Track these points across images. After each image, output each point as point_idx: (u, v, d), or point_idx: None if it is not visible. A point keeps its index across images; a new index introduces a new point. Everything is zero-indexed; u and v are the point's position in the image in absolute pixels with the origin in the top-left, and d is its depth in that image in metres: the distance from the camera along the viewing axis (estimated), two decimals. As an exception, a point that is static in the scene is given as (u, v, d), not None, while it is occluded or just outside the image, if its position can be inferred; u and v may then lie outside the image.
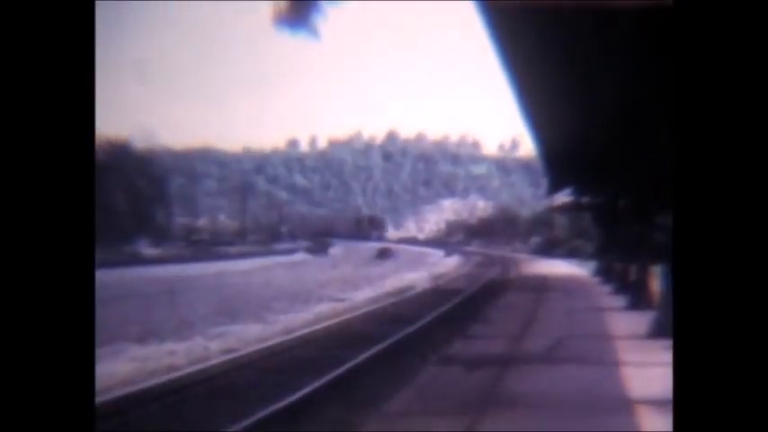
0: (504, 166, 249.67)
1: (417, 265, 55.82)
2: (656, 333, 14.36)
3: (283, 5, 7.17)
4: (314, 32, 7.36)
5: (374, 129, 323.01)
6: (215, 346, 17.29)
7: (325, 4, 7.37)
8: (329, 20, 7.45)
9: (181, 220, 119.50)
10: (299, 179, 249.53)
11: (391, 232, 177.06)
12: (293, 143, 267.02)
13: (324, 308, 26.07)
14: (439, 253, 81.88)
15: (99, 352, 13.56)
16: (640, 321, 15.82)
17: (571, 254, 61.51)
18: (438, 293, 31.41)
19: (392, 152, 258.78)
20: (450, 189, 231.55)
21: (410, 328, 19.21)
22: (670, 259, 15.03)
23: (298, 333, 19.07)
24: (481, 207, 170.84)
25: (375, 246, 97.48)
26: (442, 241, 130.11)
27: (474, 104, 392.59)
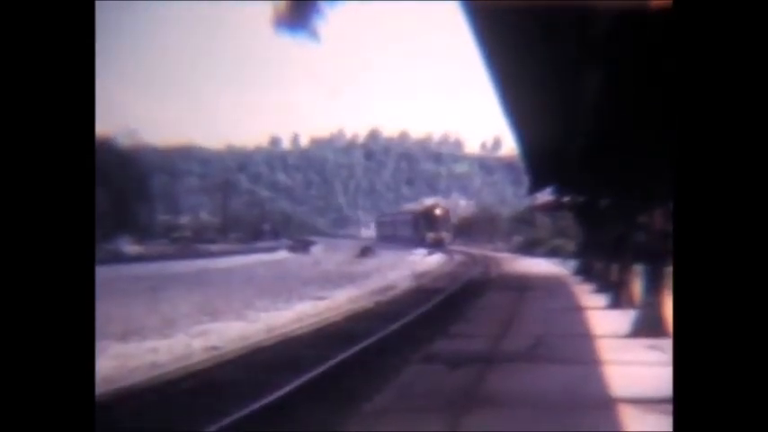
0: (485, 165, 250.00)
1: (399, 264, 55.78)
2: (637, 332, 14.43)
3: (283, 6, 7.14)
4: (313, 34, 7.33)
5: (356, 127, 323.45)
6: (197, 343, 17.26)
7: (324, 6, 7.34)
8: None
9: (163, 217, 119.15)
10: (282, 177, 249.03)
11: (374, 231, 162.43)
12: (275, 141, 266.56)
13: (305, 306, 26.02)
14: (421, 251, 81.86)
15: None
16: (622, 321, 15.88)
17: (552, 253, 61.59)
18: (420, 292, 31.43)
19: (374, 151, 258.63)
20: (432, 188, 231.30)
21: (392, 326, 19.23)
22: (651, 259, 15.13)
23: (279, 331, 19.10)
24: (463, 206, 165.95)
25: (357, 244, 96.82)
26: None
27: (456, 103, 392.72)
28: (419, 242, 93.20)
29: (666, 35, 3.95)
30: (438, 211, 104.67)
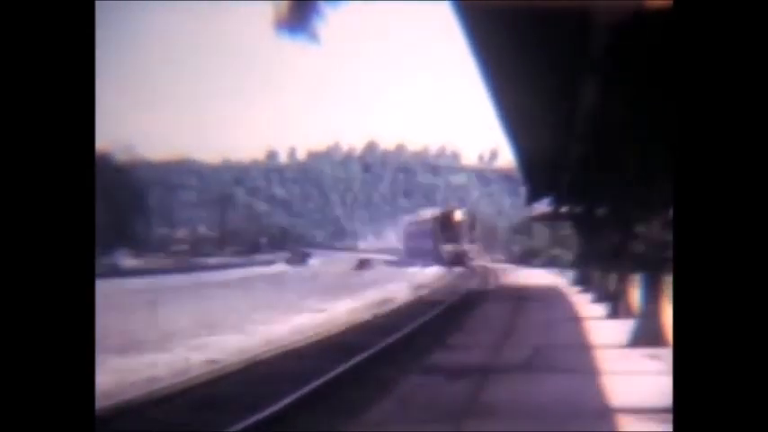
0: (483, 176, 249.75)
1: (397, 276, 55.68)
2: (636, 342, 14.41)
3: (284, 7, 7.15)
4: (313, 36, 7.34)
5: (353, 140, 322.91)
6: (196, 356, 17.22)
7: (324, 8, 7.35)
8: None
9: (161, 231, 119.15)
10: (279, 190, 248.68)
11: (371, 243, 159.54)
12: (272, 155, 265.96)
13: (304, 318, 25.99)
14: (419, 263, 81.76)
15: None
16: (620, 330, 15.86)
17: (550, 263, 61.60)
18: (419, 304, 31.37)
19: (371, 163, 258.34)
20: (429, 199, 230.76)
21: (390, 339, 19.20)
22: (649, 268, 15.12)
23: (277, 344, 19.08)
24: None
25: (355, 256, 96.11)
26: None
27: (454, 115, 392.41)
28: (435, 258, 72.81)
29: (666, 35, 3.95)
30: (457, 217, 77.96)
